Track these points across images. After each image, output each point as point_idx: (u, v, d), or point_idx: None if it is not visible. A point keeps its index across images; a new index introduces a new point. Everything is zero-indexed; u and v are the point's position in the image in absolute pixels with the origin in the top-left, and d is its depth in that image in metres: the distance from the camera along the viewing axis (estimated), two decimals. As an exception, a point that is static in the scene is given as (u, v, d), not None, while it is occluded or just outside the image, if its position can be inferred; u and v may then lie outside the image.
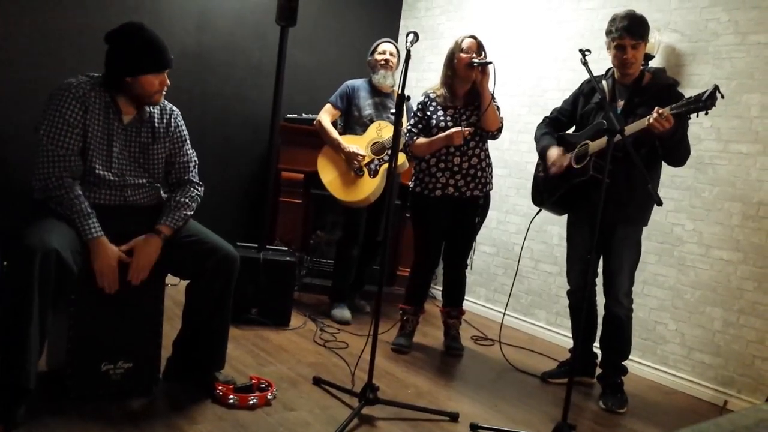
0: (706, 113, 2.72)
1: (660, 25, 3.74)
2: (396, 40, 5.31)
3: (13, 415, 2.17)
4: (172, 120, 2.69)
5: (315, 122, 4.16)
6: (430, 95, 3.58)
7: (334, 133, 4.06)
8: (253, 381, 2.77)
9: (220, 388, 2.63)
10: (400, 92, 2.67)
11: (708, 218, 3.55)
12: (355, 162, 3.98)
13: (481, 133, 3.54)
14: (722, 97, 2.69)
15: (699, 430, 1.59)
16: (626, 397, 3.24)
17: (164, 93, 2.57)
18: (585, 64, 2.83)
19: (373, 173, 4.00)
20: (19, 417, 2.19)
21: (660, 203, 2.79)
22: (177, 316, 2.80)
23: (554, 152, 3.26)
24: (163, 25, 4.30)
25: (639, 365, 3.75)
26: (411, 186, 3.67)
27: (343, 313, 4.08)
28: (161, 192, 2.70)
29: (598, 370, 3.39)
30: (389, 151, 3.96)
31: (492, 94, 3.42)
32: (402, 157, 3.88)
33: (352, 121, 4.15)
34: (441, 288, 3.88)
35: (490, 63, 3.35)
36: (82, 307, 2.43)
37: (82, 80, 2.47)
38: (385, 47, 4.12)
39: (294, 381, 2.98)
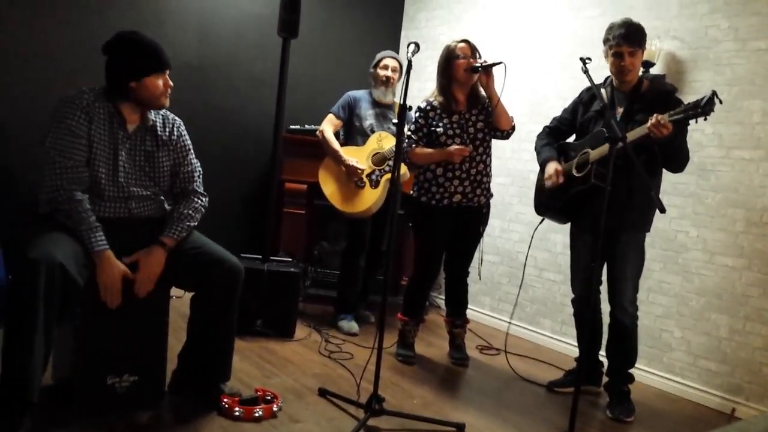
0: (705, 119, 2.73)
1: (660, 33, 3.75)
2: (397, 51, 5.34)
3: (18, 428, 2.17)
4: (175, 129, 2.71)
5: (318, 132, 4.17)
6: (432, 102, 3.55)
7: (335, 144, 4.07)
8: (259, 393, 2.76)
9: (225, 400, 2.63)
10: (402, 103, 2.68)
11: (711, 225, 3.55)
12: (355, 176, 3.99)
13: (489, 138, 3.54)
14: (720, 102, 2.69)
15: (707, 438, 1.58)
16: (633, 405, 3.22)
17: (169, 96, 2.60)
18: (586, 72, 2.84)
19: (375, 184, 4.01)
20: (23, 430, 2.18)
21: (663, 210, 2.79)
22: (182, 328, 2.80)
23: (552, 167, 3.26)
24: (165, 37, 4.31)
25: (645, 373, 3.73)
26: (414, 195, 3.65)
27: (351, 325, 4.08)
28: (165, 204, 2.70)
29: (605, 379, 3.38)
30: (390, 162, 3.97)
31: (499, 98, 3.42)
32: (403, 167, 3.88)
33: (353, 131, 4.17)
34: (444, 297, 3.87)
35: (500, 63, 3.32)
36: (88, 320, 2.43)
37: (85, 91, 2.49)
38: (388, 62, 4.12)
39: (299, 392, 2.98)
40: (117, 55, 2.51)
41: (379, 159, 4.03)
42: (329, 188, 4.10)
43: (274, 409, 2.69)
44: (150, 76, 2.50)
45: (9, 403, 2.17)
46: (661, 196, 3.13)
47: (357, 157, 4.03)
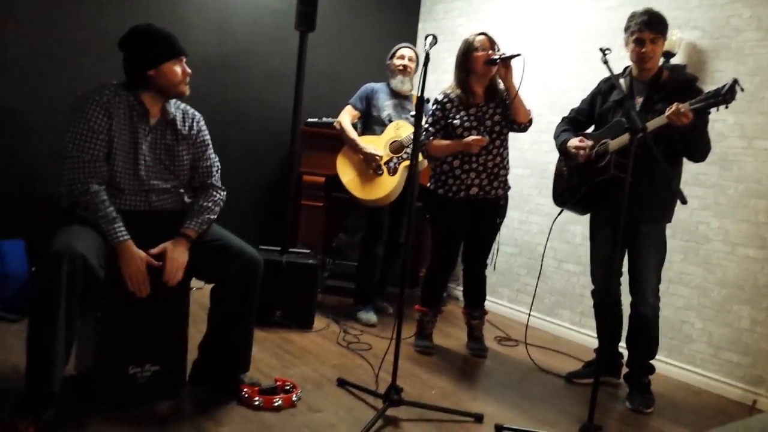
0: (726, 107, 2.69)
1: (681, 23, 3.71)
2: (415, 43, 5.33)
3: (41, 418, 2.20)
4: (195, 124, 2.74)
5: (335, 123, 4.21)
6: (450, 95, 3.54)
7: (353, 133, 4.10)
8: (278, 383, 2.79)
9: (245, 390, 2.65)
10: (419, 95, 2.68)
11: (734, 216, 3.51)
12: (373, 162, 4.00)
13: (506, 130, 3.53)
14: (742, 90, 2.65)
15: (728, 431, 1.57)
16: (653, 397, 3.21)
17: (188, 84, 2.62)
18: (605, 62, 2.81)
19: (393, 171, 4.02)
20: (47, 420, 2.22)
21: (685, 201, 2.76)
22: (202, 319, 2.83)
23: (575, 140, 3.23)
24: (184, 33, 4.32)
25: (666, 365, 3.70)
26: (431, 188, 3.65)
27: (369, 316, 4.11)
28: (185, 197, 2.73)
29: (625, 370, 3.36)
30: (408, 150, 3.98)
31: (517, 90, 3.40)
32: (420, 156, 3.89)
33: (371, 122, 4.19)
34: (462, 288, 3.87)
35: (518, 55, 3.29)
36: (109, 312, 2.47)
37: (106, 87, 2.52)
38: (404, 52, 4.14)
39: (318, 382, 3.00)
40: (133, 47, 2.54)
41: (396, 147, 4.04)
42: (347, 176, 4.12)
43: (294, 398, 2.71)
44: (167, 63, 2.53)
45: (33, 394, 2.21)
46: (682, 186, 3.11)
47: (374, 145, 4.05)
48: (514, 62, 3.37)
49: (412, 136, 3.88)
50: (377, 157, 4.00)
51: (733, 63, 3.53)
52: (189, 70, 2.61)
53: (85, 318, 2.39)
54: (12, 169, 3.85)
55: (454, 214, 3.56)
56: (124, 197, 2.54)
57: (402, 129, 4.05)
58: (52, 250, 2.19)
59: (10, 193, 3.83)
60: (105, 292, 2.40)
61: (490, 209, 3.59)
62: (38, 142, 3.89)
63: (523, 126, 3.53)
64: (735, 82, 2.63)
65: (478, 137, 3.38)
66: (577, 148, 3.19)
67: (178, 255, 2.52)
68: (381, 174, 4.03)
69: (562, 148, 3.32)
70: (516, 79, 3.37)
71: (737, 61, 3.51)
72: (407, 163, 4.00)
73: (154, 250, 2.49)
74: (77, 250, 2.19)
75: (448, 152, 3.48)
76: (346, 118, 4.16)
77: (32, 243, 3.61)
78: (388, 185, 4.01)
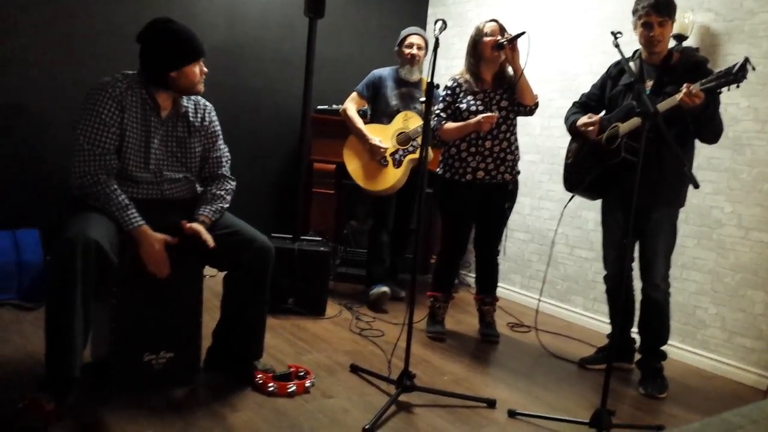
0: (738, 87, 2.66)
1: (694, 5, 3.67)
2: (424, 28, 5.30)
3: (63, 401, 2.23)
4: (206, 115, 2.74)
5: (341, 110, 4.20)
6: (459, 80, 3.55)
7: (359, 122, 4.09)
8: (292, 369, 2.81)
9: (259, 376, 2.67)
10: (429, 80, 2.67)
11: (747, 200, 3.48)
12: (378, 154, 4.00)
13: (513, 116, 3.52)
14: (753, 69, 2.62)
15: (741, 415, 1.57)
16: (666, 382, 3.20)
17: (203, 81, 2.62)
18: (617, 46, 2.79)
19: (397, 163, 4.02)
20: (67, 404, 2.24)
21: (697, 186, 2.74)
22: (215, 306, 2.85)
23: (584, 117, 3.21)
24: (194, 21, 4.35)
25: (679, 350, 3.70)
26: (440, 172, 3.65)
27: (378, 288, 4.09)
28: (196, 186, 2.74)
29: (637, 356, 3.35)
30: (414, 142, 3.98)
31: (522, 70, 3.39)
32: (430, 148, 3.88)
33: (378, 111, 4.19)
34: (474, 275, 3.87)
35: (523, 33, 3.30)
36: (124, 300, 2.49)
37: (118, 79, 2.51)
38: (412, 40, 4.11)
39: (331, 369, 3.02)
40: (154, 45, 2.50)
41: (403, 139, 4.03)
42: (352, 165, 4.13)
43: (307, 384, 2.73)
44: (189, 65, 2.52)
45: (54, 378, 2.24)
46: (695, 171, 3.08)
47: (382, 135, 4.04)
48: (520, 42, 3.36)
49: (419, 129, 3.88)
50: (382, 150, 4.00)
51: (747, 46, 3.49)
52: (206, 69, 2.61)
53: (99, 304, 2.41)
54: (27, 159, 3.88)
55: (461, 197, 3.57)
56: (137, 187, 2.56)
57: (410, 120, 4.03)
58: (66, 237, 2.21)
59: (26, 183, 3.87)
60: (119, 279, 2.43)
61: (498, 194, 3.59)
62: (53, 133, 3.91)
63: (529, 109, 3.52)
64: (746, 60, 2.60)
65: (488, 114, 3.37)
66: (586, 125, 3.18)
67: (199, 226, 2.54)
68: (386, 165, 4.03)
69: (572, 129, 3.31)
70: (522, 59, 3.36)
71: (750, 44, 3.47)
72: (413, 156, 4.00)
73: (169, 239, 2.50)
74: (91, 236, 2.21)
75: (459, 134, 3.48)
76: (352, 106, 4.15)
77: (47, 232, 3.64)
78: (391, 178, 4.01)
